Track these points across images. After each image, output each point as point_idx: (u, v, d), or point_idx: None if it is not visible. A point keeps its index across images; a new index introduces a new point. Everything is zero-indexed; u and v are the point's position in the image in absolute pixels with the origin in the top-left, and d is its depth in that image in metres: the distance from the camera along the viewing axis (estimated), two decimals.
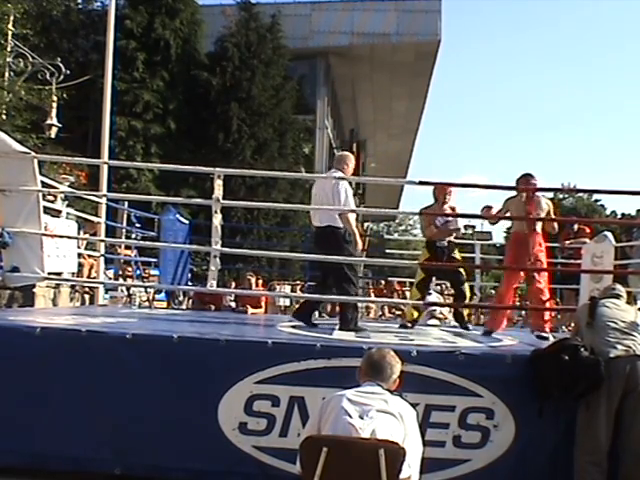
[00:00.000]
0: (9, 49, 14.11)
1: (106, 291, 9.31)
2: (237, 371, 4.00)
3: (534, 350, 4.24)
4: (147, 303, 9.44)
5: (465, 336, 5.89)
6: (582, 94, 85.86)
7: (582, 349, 3.82)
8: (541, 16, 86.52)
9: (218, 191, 5.60)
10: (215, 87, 19.49)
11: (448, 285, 10.50)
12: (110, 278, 9.22)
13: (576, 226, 8.79)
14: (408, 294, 9.38)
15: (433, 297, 9.04)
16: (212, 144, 19.03)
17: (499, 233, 29.21)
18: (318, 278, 6.18)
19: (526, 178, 5.81)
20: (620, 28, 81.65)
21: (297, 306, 6.48)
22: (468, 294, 6.67)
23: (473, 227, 26.53)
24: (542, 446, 3.97)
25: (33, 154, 5.80)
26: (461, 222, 6.70)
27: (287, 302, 11.88)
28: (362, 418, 2.78)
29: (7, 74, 14.09)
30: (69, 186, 9.50)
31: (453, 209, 6.39)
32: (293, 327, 5.65)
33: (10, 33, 14.03)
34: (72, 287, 8.39)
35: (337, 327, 5.52)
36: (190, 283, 10.17)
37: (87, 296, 8.93)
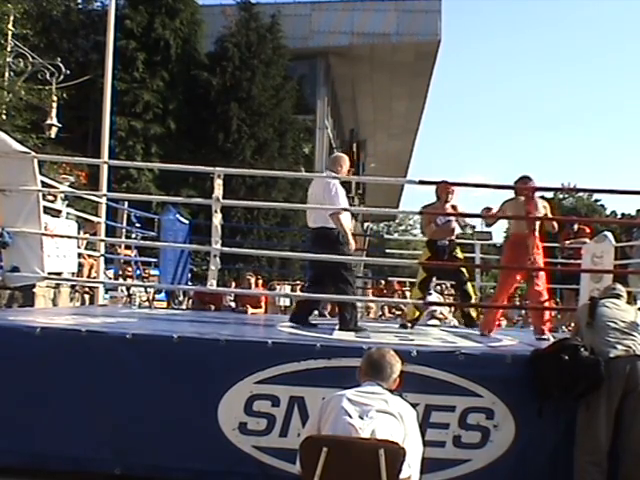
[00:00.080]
0: (9, 49, 14.11)
1: (106, 291, 9.31)
2: (237, 371, 3.99)
3: (534, 350, 4.23)
4: (147, 303, 9.44)
5: (465, 336, 5.88)
6: (582, 94, 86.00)
7: (582, 349, 3.81)
8: (541, 16, 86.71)
9: (218, 190, 5.60)
10: (215, 87, 19.49)
11: (448, 285, 10.52)
12: (110, 278, 9.21)
13: (576, 226, 8.78)
14: (408, 294, 9.38)
15: (433, 297, 9.03)
16: (212, 144, 19.03)
17: (498, 234, 29.16)
18: (311, 278, 6.18)
19: (523, 181, 5.78)
20: (620, 28, 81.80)
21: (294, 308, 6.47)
22: (473, 294, 6.61)
23: (473, 227, 26.51)
24: (542, 446, 3.96)
25: (33, 154, 5.80)
26: (457, 223, 6.62)
27: (287, 302, 11.89)
28: (362, 418, 2.77)
29: (7, 74, 14.10)
30: (69, 186, 9.50)
31: (455, 208, 6.36)
32: (293, 327, 5.65)
33: (10, 33, 14.03)
34: (72, 287, 8.40)
35: (337, 327, 5.52)
36: (190, 283, 10.17)
37: (87, 296, 8.94)
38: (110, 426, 4.01)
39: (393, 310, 12.48)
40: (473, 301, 6.79)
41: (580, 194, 39.37)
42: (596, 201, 40.15)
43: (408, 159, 36.38)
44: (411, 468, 2.71)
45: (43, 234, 5.77)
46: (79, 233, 7.90)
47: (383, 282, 13.41)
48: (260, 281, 11.49)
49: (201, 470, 3.98)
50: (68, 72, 14.51)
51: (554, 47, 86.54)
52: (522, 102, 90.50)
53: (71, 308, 7.76)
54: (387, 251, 14.62)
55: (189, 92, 19.65)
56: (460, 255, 6.63)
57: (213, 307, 8.93)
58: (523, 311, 10.60)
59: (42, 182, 5.98)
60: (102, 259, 8.32)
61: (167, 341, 4.14)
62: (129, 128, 18.30)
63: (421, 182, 6.08)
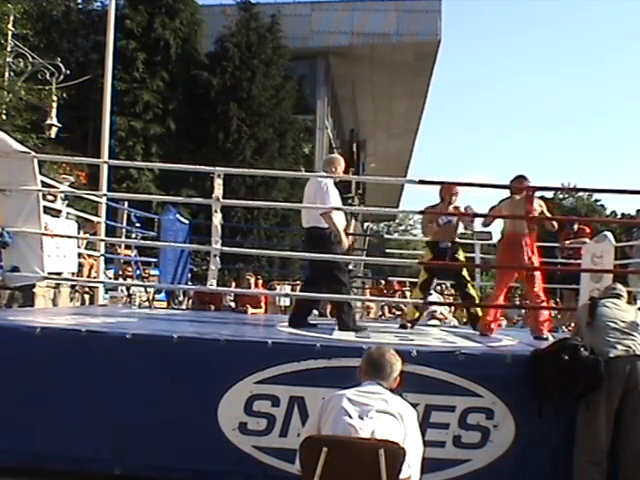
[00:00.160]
0: (9, 49, 14.11)
1: (106, 291, 9.31)
2: (237, 371, 4.00)
3: (534, 350, 4.23)
4: (147, 303, 9.44)
5: (465, 336, 5.88)
6: (582, 94, 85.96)
7: (582, 349, 3.81)
8: (541, 16, 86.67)
9: (218, 190, 5.61)
10: (215, 87, 19.48)
11: (448, 285, 10.53)
12: (110, 278, 9.22)
13: (576, 226, 8.78)
14: (408, 294, 9.38)
15: (433, 297, 9.03)
16: (212, 144, 19.02)
17: (497, 234, 29.10)
18: (307, 278, 6.18)
19: (519, 180, 5.78)
20: (620, 28, 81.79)
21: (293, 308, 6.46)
22: (476, 294, 6.56)
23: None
24: (542, 446, 3.96)
25: (33, 154, 5.80)
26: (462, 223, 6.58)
27: (287, 302, 11.88)
28: (362, 418, 2.77)
29: (7, 74, 14.09)
30: (69, 186, 9.50)
31: (457, 209, 6.35)
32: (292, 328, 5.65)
33: (10, 33, 14.03)
34: (72, 287, 8.40)
35: (337, 327, 5.51)
36: (190, 283, 10.17)
37: (87, 296, 8.95)
38: (110, 426, 4.01)
39: (393, 310, 12.49)
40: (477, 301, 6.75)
41: (580, 194, 39.33)
42: (596, 201, 40.15)
43: (408, 159, 36.36)
44: (411, 468, 2.71)
45: (43, 234, 5.77)
46: (79, 233, 7.90)
47: (383, 282, 13.42)
48: (260, 281, 11.49)
49: (201, 470, 3.98)
50: (68, 72, 14.51)
51: (554, 47, 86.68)
52: (522, 102, 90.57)
53: (71, 308, 7.77)
54: (387, 251, 14.63)
55: (189, 92, 19.63)
56: (462, 257, 6.57)
57: (213, 307, 8.94)
58: (523, 311, 10.61)
59: (42, 182, 5.98)
60: (102, 259, 8.32)
61: (167, 341, 4.14)
62: (129, 128, 18.28)
63: (421, 182, 6.07)
